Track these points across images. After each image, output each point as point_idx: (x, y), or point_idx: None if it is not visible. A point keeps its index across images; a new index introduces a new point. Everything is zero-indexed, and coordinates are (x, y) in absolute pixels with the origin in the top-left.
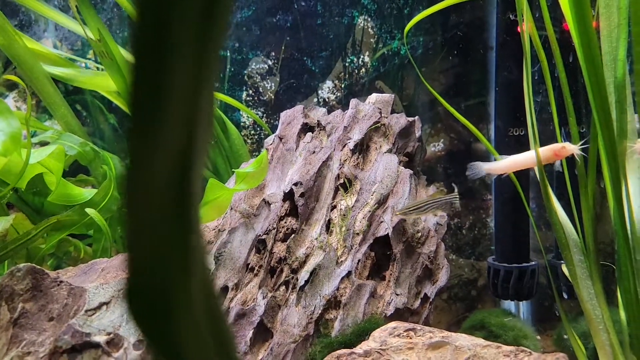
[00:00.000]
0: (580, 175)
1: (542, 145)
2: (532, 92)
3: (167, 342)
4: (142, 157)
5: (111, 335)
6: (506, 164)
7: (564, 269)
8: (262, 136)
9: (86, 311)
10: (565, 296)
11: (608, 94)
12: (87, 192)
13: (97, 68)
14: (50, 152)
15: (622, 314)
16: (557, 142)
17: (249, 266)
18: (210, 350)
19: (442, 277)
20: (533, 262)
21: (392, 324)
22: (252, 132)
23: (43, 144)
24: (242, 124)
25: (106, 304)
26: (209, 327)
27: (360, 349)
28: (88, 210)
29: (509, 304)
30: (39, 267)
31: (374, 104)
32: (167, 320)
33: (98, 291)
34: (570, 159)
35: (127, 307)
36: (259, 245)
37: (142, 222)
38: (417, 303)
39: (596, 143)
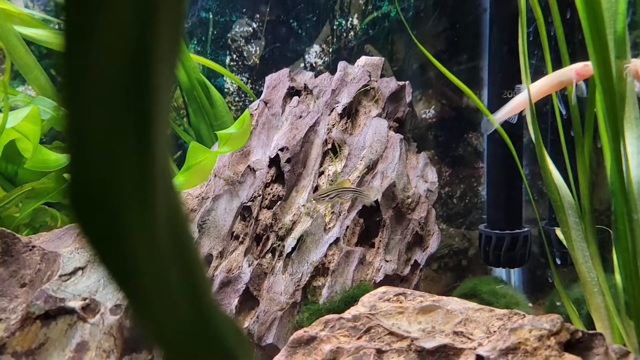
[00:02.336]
0: (577, 134)
1: (539, 108)
2: (527, 52)
3: (118, 259)
4: (83, 33)
5: (87, 301)
6: (519, 99)
7: (558, 233)
8: (247, 103)
9: (60, 276)
10: (558, 262)
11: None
12: (64, 158)
13: None
14: (25, 114)
15: (618, 278)
16: (552, 104)
17: (234, 234)
18: (171, 274)
19: (433, 244)
20: (525, 229)
21: (382, 288)
22: (237, 98)
23: (13, 109)
24: (226, 90)
25: (81, 268)
26: (172, 248)
27: (349, 314)
28: (66, 175)
29: (500, 272)
30: (9, 230)
31: (363, 66)
32: (119, 234)
33: (73, 256)
34: (567, 120)
35: (71, 212)
36: (244, 212)
37: (85, 112)
38: (407, 270)
39: (593, 102)
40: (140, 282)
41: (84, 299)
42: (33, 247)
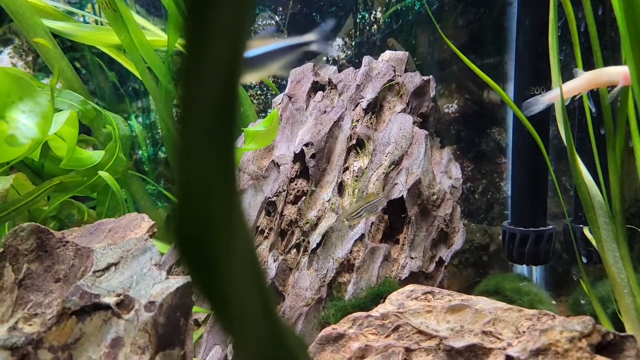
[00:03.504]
0: (608, 132)
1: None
2: (558, 48)
3: (211, 281)
4: (194, 70)
5: (121, 297)
6: (569, 86)
7: (586, 232)
8: (269, 96)
9: (94, 272)
10: (584, 260)
11: None
12: (96, 155)
13: (96, 22)
14: (65, 118)
15: None
16: (580, 101)
17: (259, 229)
18: (250, 295)
19: (458, 241)
20: (550, 226)
21: (410, 286)
22: (259, 92)
23: None
24: (248, 83)
25: (115, 264)
26: (249, 275)
27: (377, 311)
28: (102, 173)
29: (522, 269)
30: (43, 226)
31: (387, 61)
32: (212, 261)
33: (106, 252)
34: (596, 118)
35: (174, 233)
36: (269, 207)
37: (190, 143)
38: (432, 267)
39: (626, 100)
40: (227, 302)
41: (118, 295)
42: (67, 242)
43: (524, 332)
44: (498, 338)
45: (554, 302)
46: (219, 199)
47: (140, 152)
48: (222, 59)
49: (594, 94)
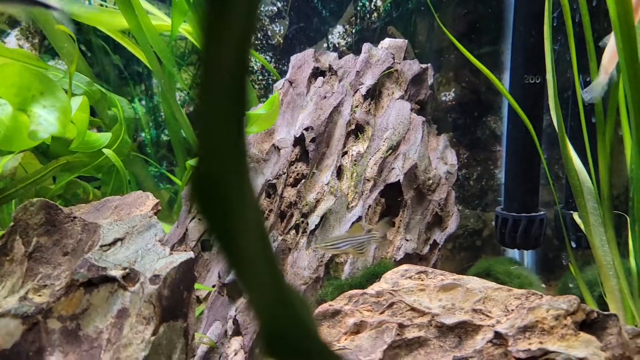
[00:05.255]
0: (599, 121)
1: (559, 94)
2: (552, 37)
3: (224, 230)
4: (214, 43)
5: (127, 270)
6: (607, 56)
7: (576, 217)
8: (270, 82)
9: (101, 246)
10: (573, 245)
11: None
12: (104, 137)
13: (101, 4)
14: (78, 104)
15: (632, 263)
16: (574, 90)
17: None
18: (258, 247)
19: (452, 224)
20: (542, 212)
21: (404, 266)
22: (260, 77)
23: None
24: (249, 68)
25: (121, 240)
26: (256, 227)
27: (372, 289)
28: (105, 150)
29: (514, 254)
30: (52, 202)
31: (387, 49)
32: (226, 212)
33: (112, 227)
34: (588, 107)
35: (193, 192)
36: (269, 189)
37: (211, 112)
38: (426, 249)
39: (617, 89)
40: (238, 251)
41: (124, 269)
42: (74, 217)
43: (512, 310)
44: (487, 316)
45: (543, 285)
46: (232, 157)
47: (143, 134)
48: (239, 28)
49: (587, 84)
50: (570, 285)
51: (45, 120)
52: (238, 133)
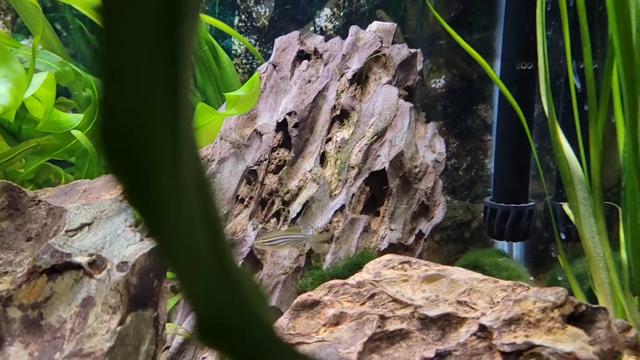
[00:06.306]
0: (591, 108)
1: (552, 81)
2: (545, 23)
3: (147, 198)
4: None
5: (93, 257)
6: None
7: (565, 208)
8: (255, 65)
9: (66, 232)
10: (563, 237)
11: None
12: (75, 118)
13: None
14: (42, 80)
15: (623, 255)
16: (567, 78)
17: (239, 197)
18: (195, 218)
19: (438, 214)
20: (531, 203)
21: (387, 256)
22: (244, 61)
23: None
24: (233, 51)
25: (88, 225)
26: (195, 194)
27: (353, 280)
28: (74, 132)
29: (502, 246)
30: (15, 184)
31: (375, 32)
32: (150, 173)
33: (79, 212)
34: (581, 94)
35: (104, 150)
36: (250, 176)
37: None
38: (412, 239)
39: (610, 76)
40: (167, 223)
41: (90, 255)
42: (39, 201)
43: (498, 302)
44: (472, 308)
45: (531, 278)
46: (161, 94)
47: None
48: None
49: (580, 70)
50: (559, 278)
51: None
52: (172, 41)
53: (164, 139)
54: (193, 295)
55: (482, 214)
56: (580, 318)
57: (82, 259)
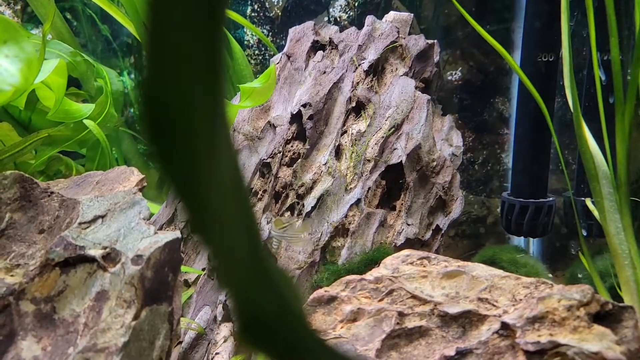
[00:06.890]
0: (618, 100)
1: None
2: (569, 12)
3: (187, 179)
4: None
5: (107, 250)
6: None
7: (588, 203)
8: (267, 56)
9: (80, 224)
10: (584, 233)
11: None
12: (86, 108)
13: None
14: (53, 67)
15: None
16: (589, 70)
17: (253, 190)
18: (230, 202)
19: (456, 209)
20: (551, 198)
21: (405, 251)
22: (257, 51)
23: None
24: (245, 42)
25: (102, 217)
26: (230, 179)
27: (371, 275)
28: (86, 121)
29: (519, 242)
30: (27, 175)
31: (391, 22)
32: (190, 155)
33: (93, 204)
34: (605, 87)
35: (146, 131)
36: (263, 169)
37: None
38: (429, 234)
39: (637, 68)
40: (204, 204)
41: (104, 248)
42: (52, 193)
43: (520, 299)
44: (494, 305)
45: (551, 275)
46: (203, 79)
47: (132, 109)
48: None
49: (605, 62)
50: (579, 276)
51: (6, 71)
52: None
53: (205, 118)
54: (236, 293)
55: (499, 209)
56: (606, 317)
57: (96, 252)
